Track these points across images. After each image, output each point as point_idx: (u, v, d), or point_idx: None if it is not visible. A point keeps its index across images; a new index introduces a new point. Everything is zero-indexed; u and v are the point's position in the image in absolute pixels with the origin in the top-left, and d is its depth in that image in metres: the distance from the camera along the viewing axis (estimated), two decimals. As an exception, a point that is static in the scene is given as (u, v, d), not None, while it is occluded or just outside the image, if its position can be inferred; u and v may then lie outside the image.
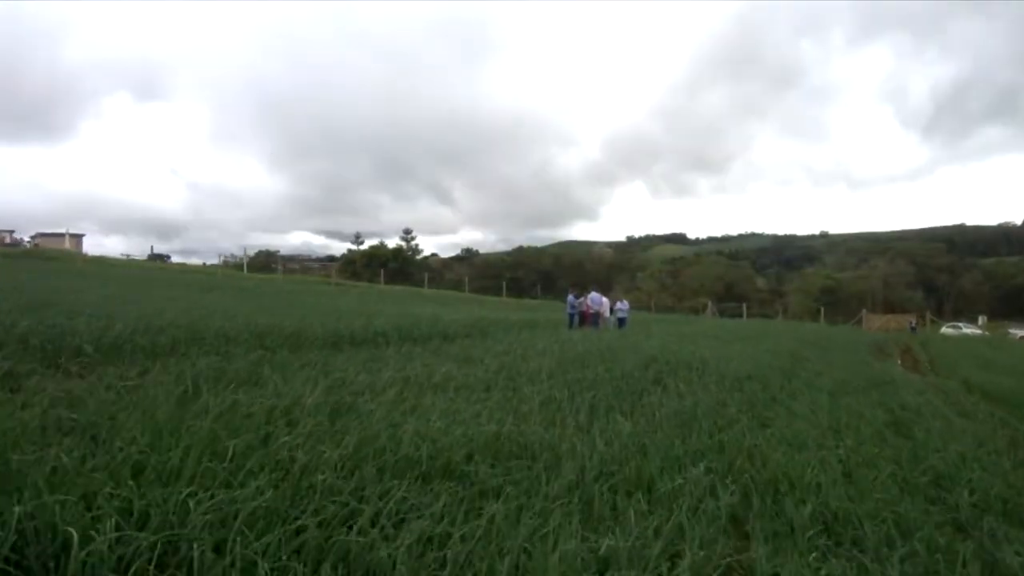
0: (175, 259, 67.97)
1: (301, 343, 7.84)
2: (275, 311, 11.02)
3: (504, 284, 40.48)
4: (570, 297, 16.76)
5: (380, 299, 20.36)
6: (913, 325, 34.78)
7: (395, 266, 45.98)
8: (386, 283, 33.49)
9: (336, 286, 28.31)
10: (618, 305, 16.95)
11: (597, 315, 15.61)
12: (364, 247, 54.11)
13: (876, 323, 37.35)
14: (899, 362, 20.43)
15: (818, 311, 46.68)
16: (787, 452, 5.88)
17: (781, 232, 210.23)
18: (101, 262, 24.89)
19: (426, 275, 33.22)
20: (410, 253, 58.38)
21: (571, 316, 16.41)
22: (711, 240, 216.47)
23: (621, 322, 16.85)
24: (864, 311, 37.71)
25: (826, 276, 58.57)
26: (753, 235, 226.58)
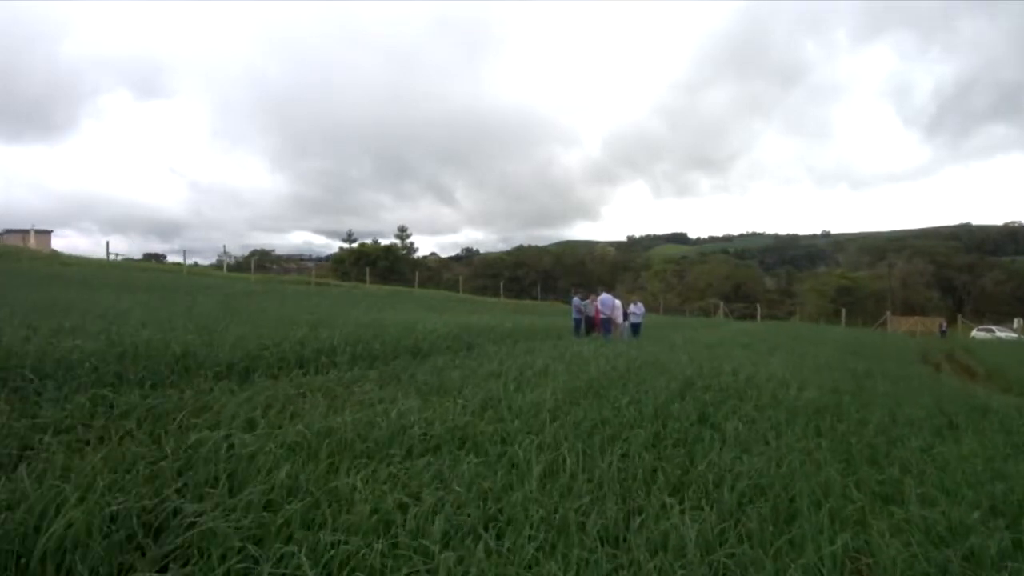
0: (173, 259, 66.10)
1: (188, 372, 5.35)
2: (200, 319, 8.55)
3: (502, 284, 37.85)
4: (575, 299, 14.25)
5: (359, 301, 17.88)
6: (943, 328, 32.26)
7: (385, 265, 43.30)
8: (372, 283, 30.94)
9: (316, 286, 25.82)
10: (632, 308, 14.46)
11: (608, 321, 13.13)
12: (354, 245, 51.40)
13: (902, 326, 34.80)
14: (947, 371, 17.98)
15: (834, 312, 44.20)
16: (966, 572, 3.47)
17: (783, 232, 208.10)
18: (53, 260, 22.47)
19: (416, 274, 30.61)
20: (404, 251, 55.69)
21: (577, 322, 13.91)
22: (712, 240, 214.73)
23: (635, 328, 14.38)
24: (888, 313, 35.20)
25: (841, 276, 55.90)
26: (755, 235, 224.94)
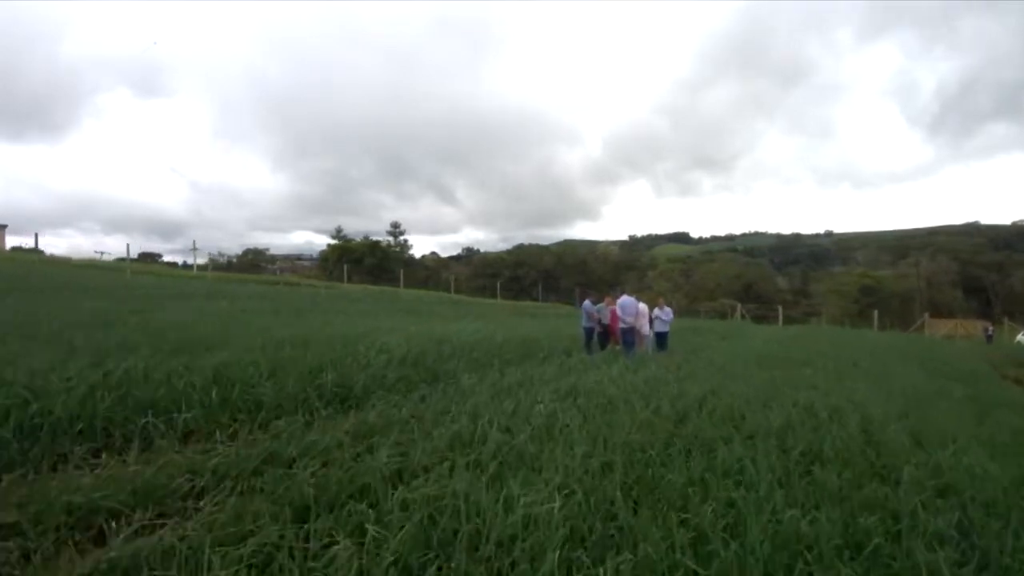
0: (170, 258, 64.09)
1: None
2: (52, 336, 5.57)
3: (499, 284, 34.62)
4: (586, 303, 11.16)
5: (319, 305, 14.86)
6: (990, 332, 29.11)
7: (372, 263, 40.05)
8: (354, 282, 27.95)
9: (286, 286, 22.79)
10: (657, 313, 11.37)
11: (631, 331, 10.06)
12: (334, 242, 48.02)
13: (940, 329, 31.65)
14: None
15: (858, 313, 41.18)
16: None
17: (785, 231, 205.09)
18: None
19: (402, 272, 27.46)
20: (397, 249, 52.42)
21: (588, 332, 10.86)
22: (715, 239, 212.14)
23: (661, 339, 11.34)
24: (927, 315, 32.05)
25: (863, 275, 52.47)
26: (757, 234, 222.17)
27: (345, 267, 27.84)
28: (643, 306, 10.56)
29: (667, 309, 11.74)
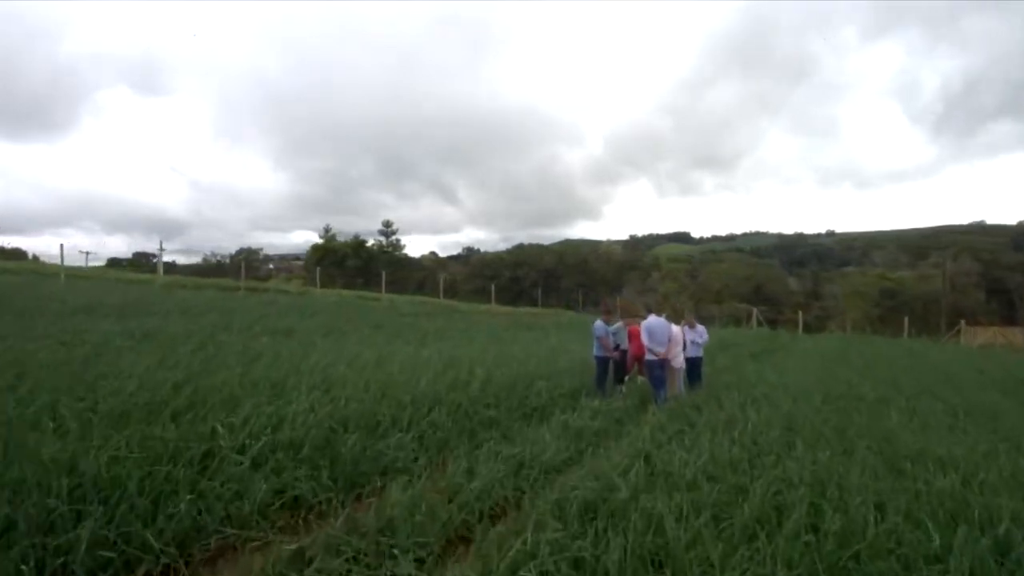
0: (167, 258, 61.53)
1: None
2: None
3: (494, 287, 31.65)
4: (597, 325, 8.25)
5: (266, 319, 12.12)
6: (1036, 341, 26.59)
7: (355, 264, 37.23)
8: (334, 285, 25.29)
9: (246, 291, 20.05)
10: (690, 335, 8.64)
11: (660, 366, 7.34)
12: (320, 242, 45.10)
13: (978, 338, 29.03)
14: None
15: (879, 318, 38.56)
16: None
17: (786, 231, 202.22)
18: None
19: (383, 275, 24.61)
20: (389, 249, 49.57)
21: (602, 364, 8.14)
22: (715, 239, 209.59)
23: (693, 367, 8.64)
24: (963, 322, 29.41)
25: (881, 276, 49.66)
26: (758, 234, 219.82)
27: (318, 270, 24.99)
28: (676, 329, 7.85)
29: (700, 328, 9.07)
